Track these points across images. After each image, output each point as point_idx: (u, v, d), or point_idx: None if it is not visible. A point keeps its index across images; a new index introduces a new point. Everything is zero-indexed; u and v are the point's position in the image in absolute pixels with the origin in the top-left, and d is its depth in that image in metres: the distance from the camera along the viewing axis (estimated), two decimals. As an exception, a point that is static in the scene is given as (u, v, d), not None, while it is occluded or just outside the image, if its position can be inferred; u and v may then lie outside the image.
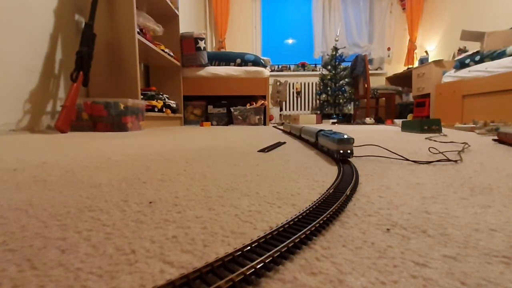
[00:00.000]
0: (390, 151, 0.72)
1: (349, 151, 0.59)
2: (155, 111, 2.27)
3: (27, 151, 0.80)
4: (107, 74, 1.88)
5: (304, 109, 4.62)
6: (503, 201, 0.35)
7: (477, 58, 2.62)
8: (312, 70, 4.70)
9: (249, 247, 0.21)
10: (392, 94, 4.21)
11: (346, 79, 4.21)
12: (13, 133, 1.34)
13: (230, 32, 4.63)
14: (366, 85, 3.76)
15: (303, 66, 4.71)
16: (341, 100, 4.18)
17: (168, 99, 2.59)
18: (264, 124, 3.15)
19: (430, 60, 3.71)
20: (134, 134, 1.48)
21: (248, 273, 0.18)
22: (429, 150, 0.82)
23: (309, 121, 3.92)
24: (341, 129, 2.05)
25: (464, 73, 2.76)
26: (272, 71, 4.55)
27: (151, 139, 1.22)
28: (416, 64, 4.50)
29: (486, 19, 3.41)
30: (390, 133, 1.61)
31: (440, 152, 0.75)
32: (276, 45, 4.87)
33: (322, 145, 0.74)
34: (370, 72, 4.08)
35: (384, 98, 4.37)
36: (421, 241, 0.24)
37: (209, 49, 4.41)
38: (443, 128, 1.90)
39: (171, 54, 2.67)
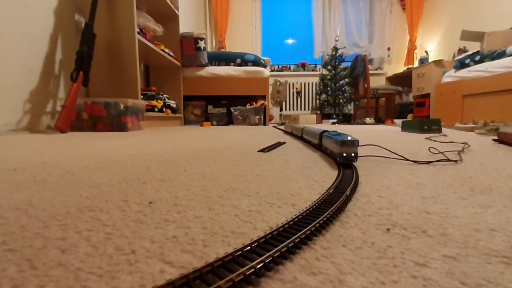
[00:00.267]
0: (390, 151, 0.72)
1: (353, 155, 0.55)
2: (155, 111, 2.27)
3: (27, 151, 0.80)
4: (107, 74, 1.88)
5: (304, 109, 4.62)
6: (503, 201, 0.35)
7: (477, 58, 2.62)
8: (312, 70, 4.70)
9: (249, 247, 0.21)
10: (392, 94, 4.21)
11: (346, 79, 4.21)
12: (13, 133, 1.34)
13: (230, 32, 4.63)
14: (366, 85, 3.76)
15: (303, 66, 4.71)
16: (341, 100, 4.18)
17: (168, 99, 2.59)
18: (264, 124, 3.15)
19: (430, 60, 3.71)
20: (134, 134, 1.48)
21: (248, 273, 0.18)
22: (429, 150, 0.82)
23: (309, 121, 3.92)
24: (341, 129, 2.05)
25: (464, 73, 2.76)
26: (272, 71, 4.55)
27: (151, 139, 1.22)
28: (416, 64, 4.50)
29: (486, 19, 3.41)
30: (390, 133, 1.61)
31: (440, 152, 0.75)
32: (276, 45, 4.87)
33: (326, 147, 0.70)
34: (370, 72, 4.08)
35: (384, 98, 4.37)
36: (421, 241, 0.24)
37: (209, 49, 4.41)
38: (443, 128, 1.90)
39: (171, 54, 2.67)
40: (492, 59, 2.47)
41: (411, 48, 4.61)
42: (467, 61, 2.74)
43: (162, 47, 2.45)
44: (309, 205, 0.31)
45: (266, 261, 0.19)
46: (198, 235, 0.26)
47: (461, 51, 3.52)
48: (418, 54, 4.55)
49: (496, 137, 1.08)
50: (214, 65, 3.15)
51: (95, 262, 0.21)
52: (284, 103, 4.54)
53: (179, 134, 1.53)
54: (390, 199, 0.36)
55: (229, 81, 3.05)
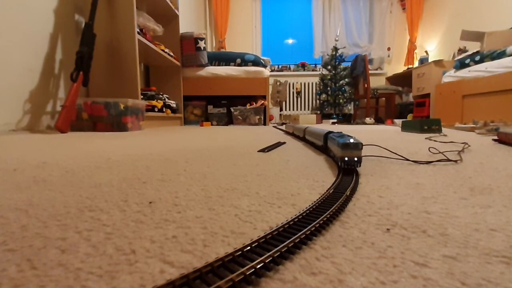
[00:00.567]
0: (390, 151, 0.72)
1: (356, 159, 0.49)
2: (155, 111, 2.27)
3: (27, 151, 0.80)
4: (107, 74, 1.88)
5: (304, 109, 4.62)
6: (503, 201, 0.35)
7: (477, 58, 2.62)
8: (312, 70, 4.70)
9: (249, 247, 0.21)
10: (392, 94, 4.21)
11: (346, 79, 4.21)
12: (13, 133, 1.34)
13: (230, 32, 4.63)
14: (366, 85, 3.76)
15: (303, 66, 4.71)
16: (341, 100, 4.18)
17: (168, 99, 2.59)
18: (264, 124, 3.15)
19: (430, 60, 3.71)
20: (134, 134, 1.48)
21: (248, 273, 0.18)
22: (429, 150, 0.82)
23: (309, 121, 3.92)
24: (341, 129, 2.05)
25: (464, 73, 2.76)
26: (272, 71, 4.55)
27: (151, 139, 1.22)
28: (416, 64, 4.50)
29: (486, 19, 3.41)
30: (390, 133, 1.61)
31: (440, 152, 0.75)
32: (276, 45, 4.87)
33: (331, 150, 0.65)
34: (370, 72, 4.08)
35: (384, 98, 4.37)
36: (421, 241, 0.24)
37: (209, 49, 4.41)
38: (443, 128, 1.90)
39: (171, 54, 2.67)
40: (492, 59, 2.47)
41: (411, 48, 4.61)
42: (467, 61, 2.74)
43: (162, 47, 2.45)
44: (309, 205, 0.31)
45: (266, 261, 0.19)
46: (198, 235, 0.26)
47: (461, 51, 3.52)
48: (418, 54, 4.55)
49: (496, 137, 1.08)
50: (214, 65, 3.15)
51: (95, 262, 0.21)
52: (284, 103, 4.55)
53: (179, 134, 1.53)
54: (390, 199, 0.36)
55: (229, 81, 3.05)
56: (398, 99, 4.37)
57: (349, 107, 4.45)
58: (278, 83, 4.34)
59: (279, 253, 0.20)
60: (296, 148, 0.90)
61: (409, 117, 3.90)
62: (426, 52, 4.48)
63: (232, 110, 3.08)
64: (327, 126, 2.99)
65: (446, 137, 1.26)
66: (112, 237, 0.25)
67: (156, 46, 2.28)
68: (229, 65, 3.15)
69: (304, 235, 0.23)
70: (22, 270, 0.20)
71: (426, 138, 1.21)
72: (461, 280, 0.18)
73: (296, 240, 0.22)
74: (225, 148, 0.90)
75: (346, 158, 0.49)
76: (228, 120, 3.19)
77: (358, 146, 0.49)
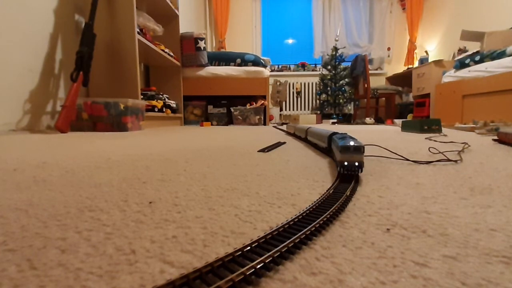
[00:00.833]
0: (390, 151, 0.72)
1: (356, 164, 0.44)
2: (155, 111, 2.27)
3: (27, 151, 0.80)
4: (107, 74, 1.88)
5: (304, 109, 4.62)
6: (503, 201, 0.35)
7: (477, 58, 2.62)
8: (312, 70, 4.70)
9: (249, 247, 0.21)
10: (392, 94, 4.21)
11: (346, 79, 4.21)
12: (13, 133, 1.34)
13: (230, 32, 4.63)
14: (366, 85, 3.76)
15: (303, 66, 4.71)
16: (341, 100, 4.18)
17: (168, 99, 2.59)
18: (264, 124, 3.15)
19: (430, 60, 3.71)
20: (134, 134, 1.48)
21: (248, 273, 0.18)
22: (429, 150, 0.82)
23: (309, 121, 3.92)
24: (342, 130, 2.05)
25: (464, 73, 2.76)
26: (272, 71, 4.55)
27: (151, 139, 1.22)
28: (416, 64, 4.50)
29: (486, 19, 3.41)
30: (390, 133, 1.61)
31: (440, 152, 0.75)
32: (276, 45, 4.87)
33: (333, 153, 0.60)
34: (370, 72, 4.08)
35: (384, 98, 4.37)
36: (421, 241, 0.24)
37: (209, 49, 4.41)
38: (443, 128, 1.90)
39: (171, 54, 2.67)
40: (492, 59, 2.47)
41: (411, 48, 4.61)
42: (467, 61, 2.74)
43: (162, 47, 2.45)
44: (309, 205, 0.31)
45: (266, 261, 0.19)
46: (198, 235, 0.26)
47: (461, 51, 3.52)
48: (418, 54, 4.55)
49: (496, 137, 1.08)
50: (214, 65, 3.15)
51: (95, 262, 0.21)
52: (284, 103, 4.55)
53: (179, 134, 1.53)
54: (390, 199, 0.36)
55: (229, 81, 3.05)
56: (398, 99, 4.37)
57: (349, 107, 4.45)
58: (278, 83, 4.34)
59: (279, 253, 0.20)
60: (296, 148, 0.90)
61: (409, 117, 3.90)
62: (426, 52, 4.48)
63: (232, 110, 3.08)
64: (327, 126, 2.99)
65: (446, 137, 1.26)
66: (112, 237, 0.25)
67: (156, 46, 2.28)
68: (229, 65, 3.15)
69: (304, 235, 0.23)
70: (22, 270, 0.20)
71: (426, 138, 1.21)
72: (461, 280, 0.18)
73: (296, 240, 0.22)
74: (225, 148, 0.90)
75: (345, 163, 0.44)
76: (228, 120, 3.19)
77: (359, 149, 0.44)
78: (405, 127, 1.81)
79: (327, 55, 4.43)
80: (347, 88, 4.24)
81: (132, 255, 0.22)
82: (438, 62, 3.41)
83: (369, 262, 0.21)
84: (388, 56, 4.70)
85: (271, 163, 0.62)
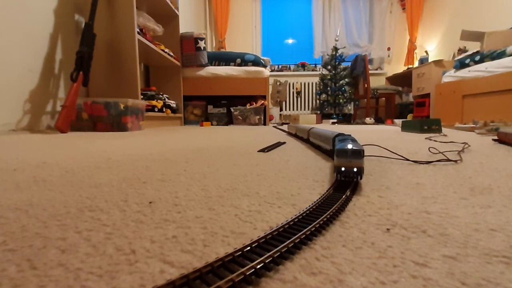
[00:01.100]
0: (390, 151, 0.72)
1: (355, 170, 0.40)
2: (155, 111, 2.27)
3: (27, 151, 0.80)
4: (107, 74, 1.88)
5: (304, 109, 4.62)
6: (503, 201, 0.35)
7: (477, 58, 2.62)
8: (312, 70, 4.70)
9: (249, 247, 0.21)
10: (392, 94, 4.21)
11: (346, 79, 4.21)
12: (13, 133, 1.34)
13: (230, 32, 4.63)
14: (366, 85, 3.76)
15: (303, 66, 4.71)
16: (341, 100, 4.18)
17: (168, 99, 2.59)
18: (264, 124, 3.15)
19: (430, 60, 3.71)
20: (134, 134, 1.48)
21: (248, 273, 0.18)
22: (429, 150, 0.82)
23: (309, 121, 3.92)
24: (342, 129, 2.05)
25: (464, 73, 2.76)
26: (272, 71, 4.55)
27: (151, 139, 1.22)
28: (416, 64, 4.50)
29: (486, 19, 3.41)
30: (390, 133, 1.61)
31: (440, 152, 0.75)
32: (276, 45, 4.87)
33: None
34: (370, 72, 4.08)
35: (384, 98, 4.37)
36: (421, 241, 0.24)
37: (209, 49, 4.41)
38: (443, 128, 1.90)
39: (171, 54, 2.67)
40: (492, 59, 2.47)
41: (411, 48, 4.61)
42: (467, 61, 2.74)
43: (162, 47, 2.45)
44: (309, 205, 0.31)
45: (266, 261, 0.19)
46: (198, 235, 0.26)
47: (461, 51, 3.52)
48: (418, 54, 4.55)
49: (496, 137, 1.08)
50: (214, 65, 3.15)
51: (95, 262, 0.21)
52: (284, 103, 4.55)
53: (179, 134, 1.53)
54: (390, 199, 0.36)
55: (229, 81, 3.05)
56: (398, 99, 4.37)
57: (349, 107, 4.45)
58: (278, 83, 4.34)
59: (279, 253, 0.20)
60: (296, 148, 0.90)
61: (409, 117, 3.90)
62: (426, 52, 4.48)
63: (232, 110, 3.08)
64: (327, 126, 2.99)
65: (446, 137, 1.26)
66: (112, 237, 0.25)
67: (156, 46, 2.28)
68: (229, 65, 3.15)
69: (304, 235, 0.23)
70: (22, 270, 0.20)
71: (426, 138, 1.21)
72: (461, 280, 0.18)
73: (296, 240, 0.22)
74: (225, 148, 0.90)
75: (342, 169, 0.40)
76: (228, 120, 3.19)
77: (358, 153, 0.40)
78: (405, 127, 1.81)
79: (327, 55, 4.43)
80: (347, 88, 4.24)
81: (132, 255, 0.22)
82: (438, 62, 3.41)
83: (369, 262, 0.21)
84: (388, 56, 4.70)
85: (271, 163, 0.62)
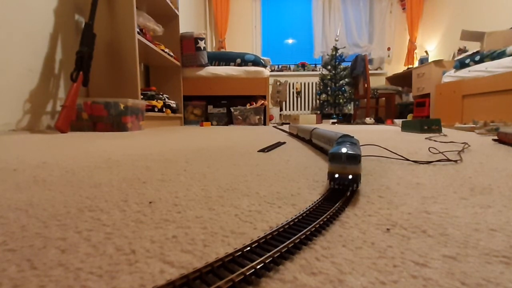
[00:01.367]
0: (390, 151, 0.72)
1: (350, 177, 0.35)
2: (155, 111, 2.27)
3: (27, 151, 0.80)
4: (107, 74, 1.88)
5: (304, 109, 4.62)
6: (503, 201, 0.35)
7: (477, 58, 2.62)
8: (312, 70, 4.70)
9: (249, 247, 0.21)
10: (392, 94, 4.21)
11: (346, 79, 4.21)
12: (13, 133, 1.34)
13: (230, 32, 4.63)
14: (366, 85, 3.76)
15: (303, 66, 4.71)
16: (341, 100, 4.18)
17: (168, 99, 2.59)
18: (264, 124, 3.15)
19: (430, 60, 3.71)
20: (134, 134, 1.48)
21: (248, 273, 0.18)
22: (429, 150, 0.82)
23: (309, 121, 3.92)
24: (342, 130, 2.05)
25: (464, 73, 2.76)
26: (272, 71, 4.55)
27: (151, 139, 1.22)
28: (416, 64, 4.50)
29: (486, 19, 3.41)
30: (390, 133, 1.61)
31: (440, 152, 0.75)
32: (276, 45, 4.87)
33: None
34: (370, 72, 4.08)
35: (384, 98, 4.37)
36: (421, 241, 0.24)
37: (209, 49, 4.41)
38: (443, 128, 1.90)
39: (171, 54, 2.67)
40: (492, 59, 2.47)
41: (411, 48, 4.61)
42: (467, 61, 2.74)
43: (162, 47, 2.45)
44: (309, 205, 0.30)
45: (266, 261, 0.19)
46: (198, 235, 0.26)
47: (461, 51, 3.52)
48: (418, 54, 4.55)
49: (496, 137, 1.08)
50: (214, 65, 3.15)
51: (95, 262, 0.21)
52: (284, 103, 4.55)
53: (179, 134, 1.53)
54: (390, 199, 0.36)
55: (229, 81, 3.05)
56: (398, 99, 4.37)
57: (349, 107, 4.45)
58: (278, 83, 4.34)
59: (279, 253, 0.20)
60: (296, 148, 0.90)
61: (409, 117, 3.90)
62: (426, 52, 4.48)
63: (232, 110, 3.08)
64: (327, 126, 2.99)
65: (446, 137, 1.26)
66: (112, 237, 0.25)
67: (156, 46, 2.28)
68: (229, 65, 3.15)
69: (304, 235, 0.23)
70: (22, 270, 0.20)
71: (426, 138, 1.21)
72: (461, 280, 0.18)
73: (296, 241, 0.22)
74: (225, 148, 0.90)
75: (336, 175, 0.35)
76: (228, 120, 3.19)
77: (354, 158, 0.35)
78: (405, 127, 1.81)
79: (327, 55, 4.43)
80: (347, 88, 4.24)
81: (132, 255, 0.22)
82: (438, 62, 3.41)
83: (369, 262, 0.21)
84: (388, 56, 4.70)
85: (271, 163, 0.62)
